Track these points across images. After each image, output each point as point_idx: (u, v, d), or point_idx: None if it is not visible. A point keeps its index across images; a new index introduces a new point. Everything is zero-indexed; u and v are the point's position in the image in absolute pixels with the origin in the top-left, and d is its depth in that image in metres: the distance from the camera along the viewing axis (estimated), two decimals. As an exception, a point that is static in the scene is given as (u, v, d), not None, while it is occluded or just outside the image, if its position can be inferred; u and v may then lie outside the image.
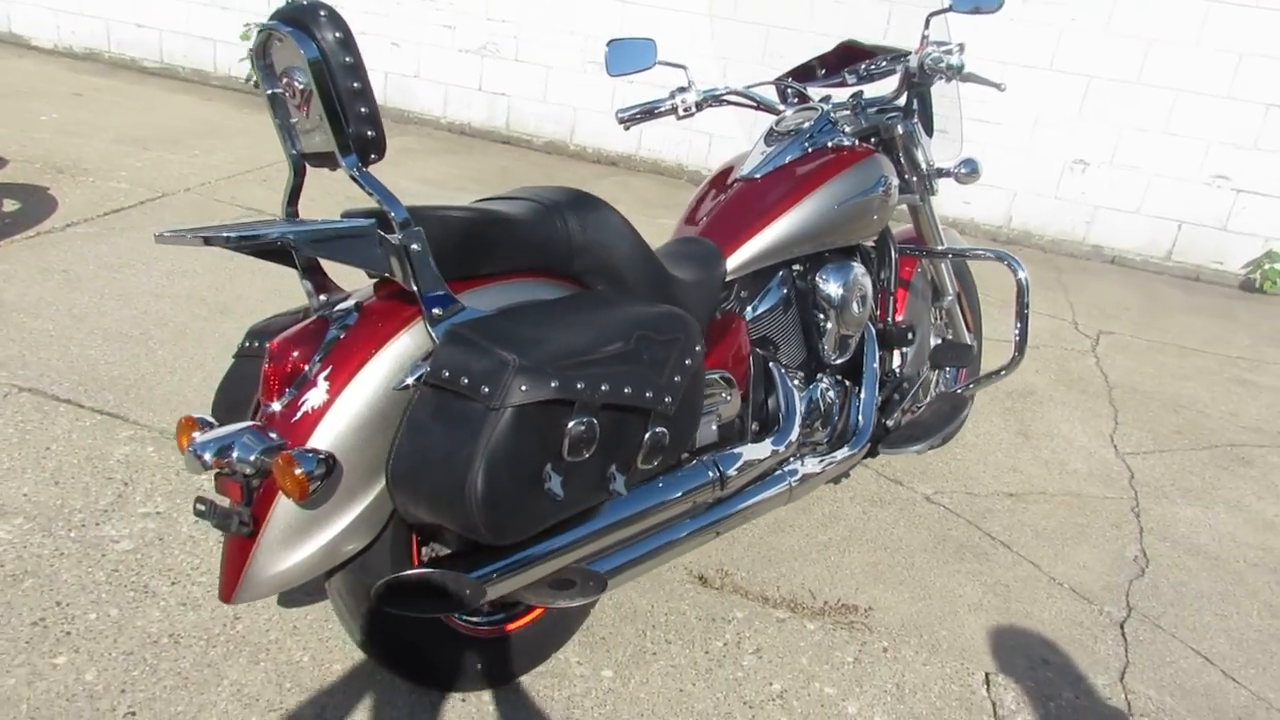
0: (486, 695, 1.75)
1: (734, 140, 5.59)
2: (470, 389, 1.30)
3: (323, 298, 1.65)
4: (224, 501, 1.42)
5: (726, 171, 2.28)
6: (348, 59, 1.37)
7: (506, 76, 5.93)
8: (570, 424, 1.34)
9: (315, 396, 1.41)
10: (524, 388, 1.28)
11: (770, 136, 2.28)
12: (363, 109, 1.39)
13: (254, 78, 1.43)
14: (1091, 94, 4.96)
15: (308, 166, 1.54)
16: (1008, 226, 5.35)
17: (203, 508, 1.43)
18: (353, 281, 1.63)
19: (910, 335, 2.37)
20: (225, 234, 1.31)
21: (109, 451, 2.34)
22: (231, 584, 1.40)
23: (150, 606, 1.86)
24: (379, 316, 1.47)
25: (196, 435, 1.37)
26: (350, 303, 1.54)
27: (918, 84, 2.27)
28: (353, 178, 1.41)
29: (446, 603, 1.43)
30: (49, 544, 1.99)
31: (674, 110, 2.46)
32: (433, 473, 1.29)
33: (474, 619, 1.71)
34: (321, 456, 1.33)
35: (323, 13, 1.36)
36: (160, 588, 1.91)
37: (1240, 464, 3.13)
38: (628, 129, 2.49)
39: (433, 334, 1.43)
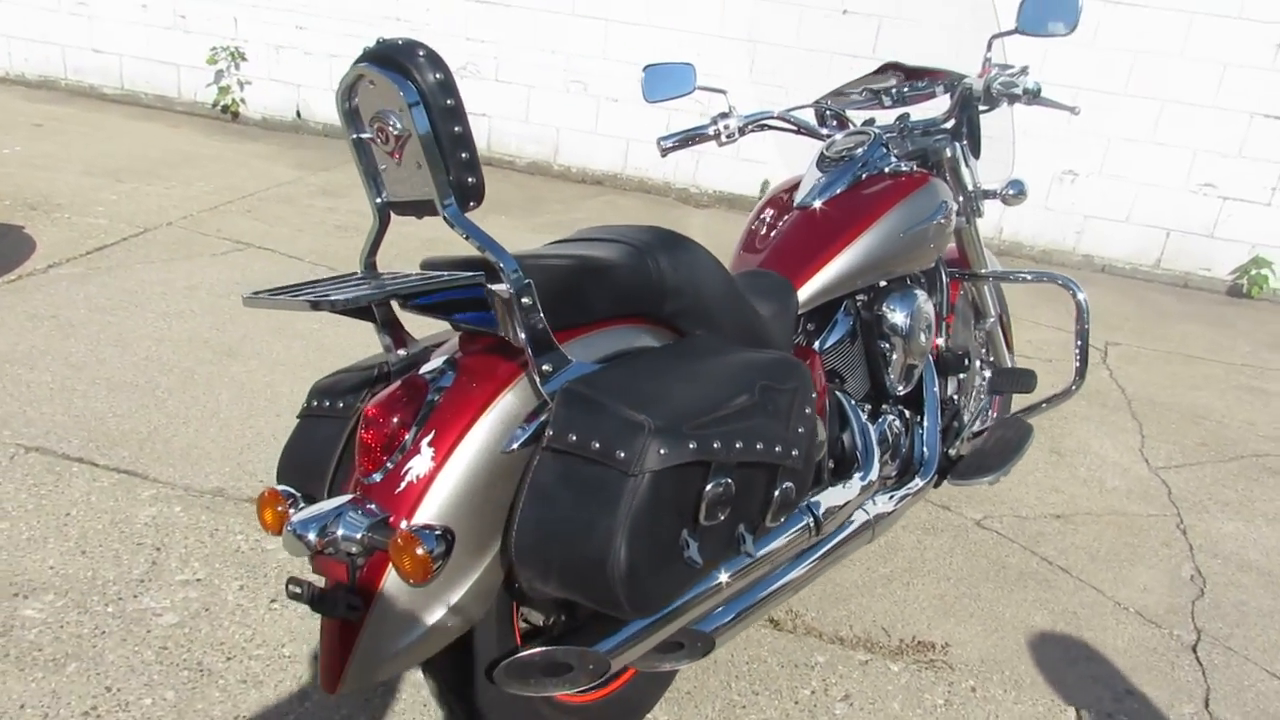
0: (581, 766, 1.65)
1: (721, 157, 5.56)
2: (602, 454, 1.20)
3: (401, 353, 1.56)
4: (321, 582, 1.31)
5: (780, 198, 2.21)
6: (449, 102, 1.27)
7: (487, 97, 5.83)
8: (708, 487, 1.26)
9: (419, 465, 1.30)
10: (662, 451, 1.19)
11: (823, 162, 2.22)
12: (464, 154, 1.30)
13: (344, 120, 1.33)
14: (1080, 105, 5.00)
15: (392, 215, 1.44)
16: (999, 238, 5.37)
17: (298, 590, 1.31)
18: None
19: (966, 361, 2.32)
20: (332, 297, 1.20)
21: (134, 514, 2.19)
22: (336, 672, 1.29)
23: (208, 686, 1.73)
24: (478, 375, 1.37)
25: (293, 513, 1.26)
26: (439, 360, 1.44)
27: (982, 106, 2.22)
28: (451, 225, 1.32)
29: (571, 678, 1.33)
30: (88, 622, 1.84)
31: (717, 136, 2.39)
32: (567, 545, 1.20)
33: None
34: (439, 533, 1.22)
35: (421, 53, 1.27)
36: (215, 664, 1.78)
37: (1269, 474, 3.13)
38: (665, 155, 2.42)
39: (544, 392, 1.33)
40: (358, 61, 1.30)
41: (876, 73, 2.45)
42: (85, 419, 2.56)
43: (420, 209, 1.35)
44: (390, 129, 1.30)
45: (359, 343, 3.23)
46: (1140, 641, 2.20)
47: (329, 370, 2.91)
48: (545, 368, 1.33)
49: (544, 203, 5.30)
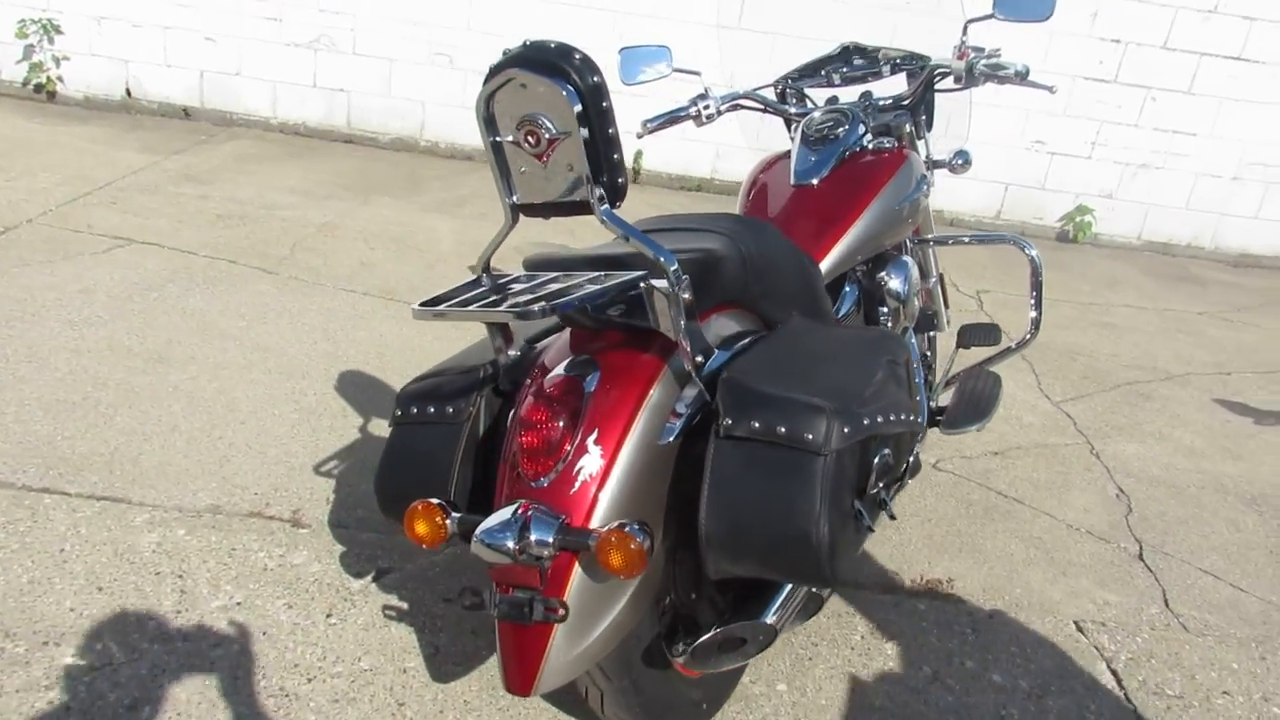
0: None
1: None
2: (790, 438, 1.27)
3: (513, 353, 1.55)
4: (501, 589, 1.31)
5: (772, 177, 2.31)
6: (605, 104, 1.29)
7: (345, 71, 5.56)
8: (875, 459, 1.36)
9: (590, 464, 1.33)
10: (845, 430, 1.28)
11: (808, 140, 2.33)
12: (616, 155, 1.32)
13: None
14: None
15: (520, 217, 1.44)
16: (858, 197, 5.72)
17: (478, 599, 1.32)
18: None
19: (934, 320, 2.52)
20: (541, 304, 1.20)
21: (135, 542, 2.04)
22: (530, 674, 1.30)
23: (301, 710, 1.67)
24: (625, 371, 1.40)
25: (451, 523, 1.27)
26: (570, 359, 1.44)
27: (954, 85, 2.38)
28: (605, 224, 1.33)
29: (744, 651, 1.41)
30: (142, 661, 1.72)
31: (696, 117, 2.45)
32: (765, 527, 1.26)
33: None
34: (640, 525, 1.26)
35: (578, 57, 1.27)
36: (298, 688, 1.72)
37: (1143, 399, 3.58)
38: (640, 136, 2.46)
39: (701, 384, 1.38)
40: (505, 65, 1.29)
41: (836, 53, 2.59)
42: (33, 445, 2.33)
43: (568, 210, 1.36)
44: (542, 132, 1.30)
45: (295, 340, 3.09)
46: (1098, 556, 2.50)
47: (277, 371, 2.80)
48: (699, 359, 1.38)
49: (423, 181, 5.16)
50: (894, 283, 2.27)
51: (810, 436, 1.27)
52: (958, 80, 2.34)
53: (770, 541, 1.27)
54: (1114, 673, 2.04)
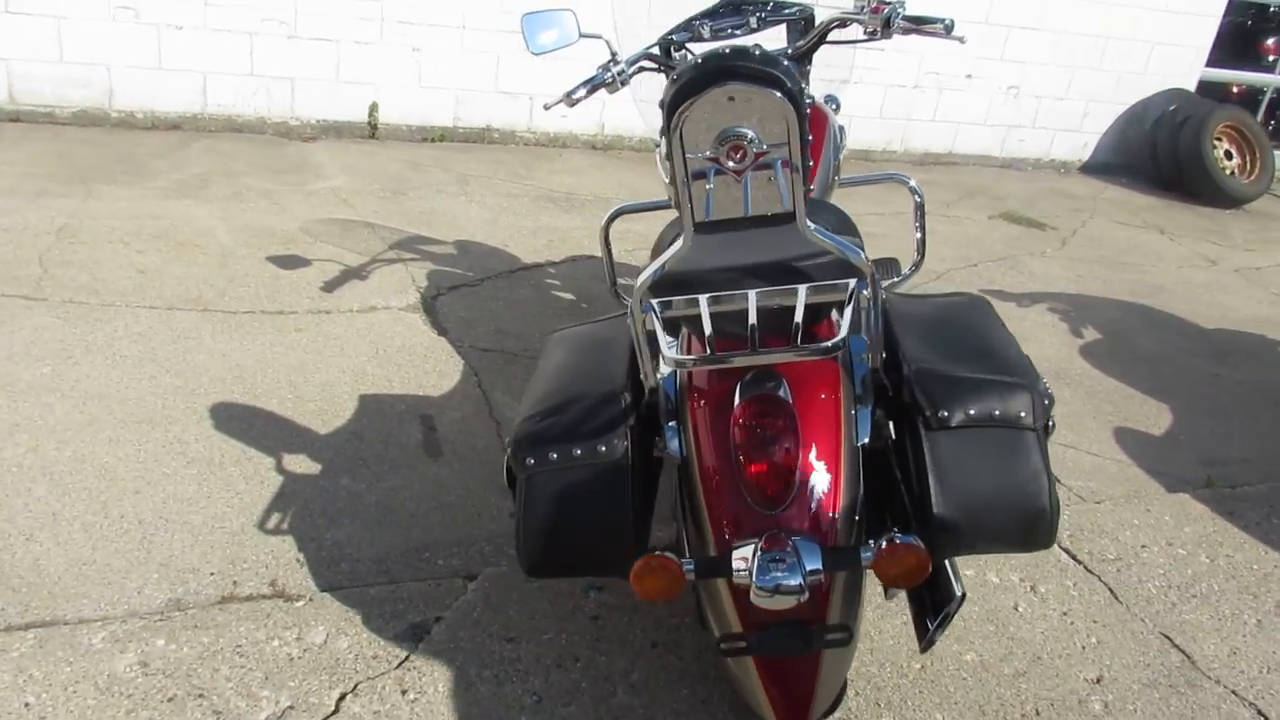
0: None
1: (319, 82, 5.08)
2: (1004, 420, 1.34)
3: (661, 375, 1.46)
4: (754, 627, 1.27)
5: None
6: (806, 110, 1.23)
7: (-3, 34, 4.54)
8: (1049, 422, 1.46)
9: (819, 480, 1.32)
10: (1046, 402, 1.37)
11: None
12: (810, 163, 1.27)
13: (666, 147, 1.18)
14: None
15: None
16: (601, 134, 5.75)
17: (742, 644, 1.27)
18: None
19: (892, 266, 2.68)
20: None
21: (113, 669, 1.67)
22: (807, 703, 1.29)
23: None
24: (813, 382, 1.39)
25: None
26: (752, 378, 1.38)
27: (862, 36, 2.44)
28: (809, 235, 1.28)
29: (945, 624, 1.47)
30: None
31: (612, 83, 2.36)
32: (1003, 506, 1.33)
33: None
34: (906, 532, 1.27)
35: (785, 62, 1.19)
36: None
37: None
38: (548, 108, 2.33)
39: (886, 381, 1.40)
40: (711, 77, 1.18)
41: (721, 6, 2.58)
42: (-120, 581, 1.79)
43: (764, 223, 1.29)
44: (750, 146, 1.21)
45: (127, 380, 2.59)
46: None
47: (133, 421, 2.38)
48: (882, 355, 1.39)
49: (143, 162, 4.40)
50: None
51: (1023, 414, 1.35)
52: (870, 32, 2.41)
53: (1007, 518, 1.34)
54: (1067, 550, 2.37)
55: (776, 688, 1.29)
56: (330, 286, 3.33)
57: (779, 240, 1.39)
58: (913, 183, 2.68)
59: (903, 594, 1.64)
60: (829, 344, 1.22)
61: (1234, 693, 1.92)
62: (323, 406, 2.59)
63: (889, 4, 2.34)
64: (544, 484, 1.41)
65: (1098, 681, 1.90)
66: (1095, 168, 6.96)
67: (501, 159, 5.26)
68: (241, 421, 2.47)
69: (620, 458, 1.39)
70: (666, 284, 1.50)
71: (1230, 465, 2.86)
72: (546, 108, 2.33)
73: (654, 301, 1.36)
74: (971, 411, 1.36)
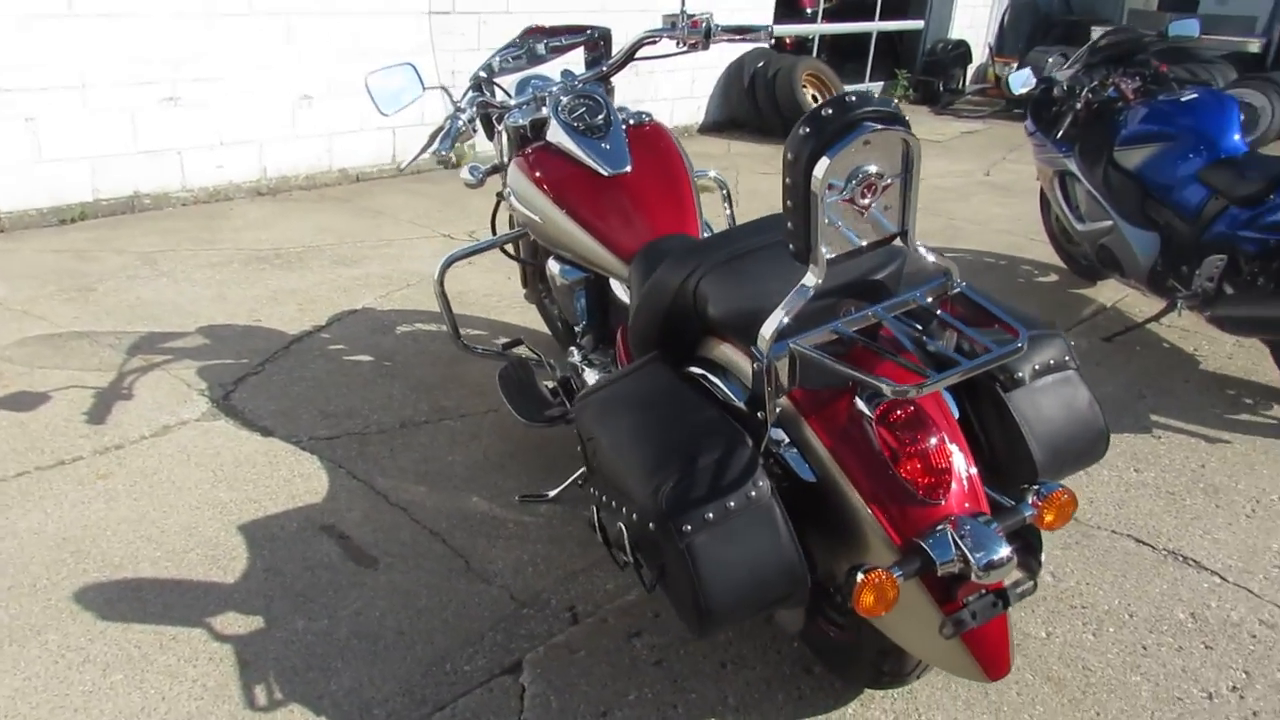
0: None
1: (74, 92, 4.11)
2: (1056, 365, 1.60)
3: (778, 407, 1.52)
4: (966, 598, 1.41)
5: (564, 179, 2.27)
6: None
7: None
8: None
9: (959, 462, 1.48)
10: (1071, 344, 1.64)
11: (577, 131, 2.32)
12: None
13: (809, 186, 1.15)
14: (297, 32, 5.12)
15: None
16: (264, 178, 5.28)
17: (961, 624, 1.39)
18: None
19: None
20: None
21: None
22: (1007, 654, 1.46)
23: None
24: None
25: (899, 575, 1.34)
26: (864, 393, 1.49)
27: (681, 47, 2.51)
28: (911, 250, 1.42)
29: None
30: None
31: (463, 133, 2.29)
32: (1080, 436, 1.59)
33: None
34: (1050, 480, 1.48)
35: (896, 99, 1.30)
36: None
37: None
38: (402, 170, 2.22)
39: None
40: (855, 124, 1.25)
41: (521, 37, 2.57)
42: None
43: (872, 248, 1.39)
44: (880, 182, 1.32)
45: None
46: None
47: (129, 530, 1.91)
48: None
49: None
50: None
51: (1067, 357, 1.61)
52: (690, 44, 2.51)
53: (1083, 445, 1.60)
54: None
55: (979, 649, 1.44)
56: (95, 417, 2.80)
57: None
58: (721, 176, 2.90)
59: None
60: (1018, 344, 1.36)
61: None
62: (206, 554, 2.23)
63: (704, 18, 2.48)
64: (708, 543, 1.41)
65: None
66: (709, 127, 7.73)
67: (171, 227, 4.63)
68: (126, 602, 2.06)
69: (770, 496, 1.44)
70: (736, 325, 1.56)
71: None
72: (401, 170, 2.24)
73: (793, 343, 1.40)
74: (1035, 366, 1.59)
